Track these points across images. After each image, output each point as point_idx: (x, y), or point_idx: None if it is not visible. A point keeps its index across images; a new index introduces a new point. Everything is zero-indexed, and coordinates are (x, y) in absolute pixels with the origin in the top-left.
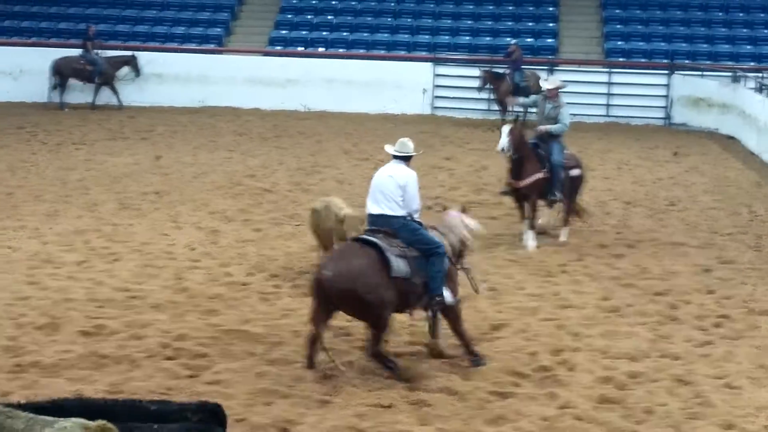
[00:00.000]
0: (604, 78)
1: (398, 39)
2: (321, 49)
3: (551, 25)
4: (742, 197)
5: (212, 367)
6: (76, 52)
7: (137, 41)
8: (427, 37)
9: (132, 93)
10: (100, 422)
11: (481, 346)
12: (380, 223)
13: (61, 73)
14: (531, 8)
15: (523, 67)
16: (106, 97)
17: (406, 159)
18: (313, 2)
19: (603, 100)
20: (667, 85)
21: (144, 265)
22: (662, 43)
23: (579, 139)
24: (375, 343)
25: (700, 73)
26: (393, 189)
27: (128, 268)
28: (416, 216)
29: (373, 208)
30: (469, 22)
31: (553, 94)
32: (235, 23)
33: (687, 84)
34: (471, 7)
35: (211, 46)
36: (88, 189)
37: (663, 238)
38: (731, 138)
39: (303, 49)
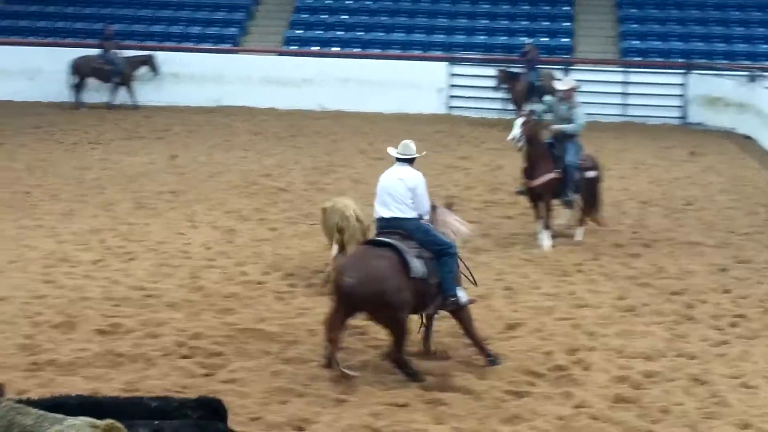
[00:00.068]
0: (619, 77)
1: (414, 38)
2: (336, 49)
3: (567, 24)
4: (759, 197)
5: (227, 365)
6: (92, 52)
7: (153, 41)
8: (442, 36)
9: (148, 92)
10: (108, 421)
11: (497, 345)
12: (393, 225)
13: (80, 73)
14: (547, 7)
15: (538, 66)
16: (122, 96)
17: (410, 161)
18: (328, 2)
19: (619, 100)
20: (684, 85)
21: (160, 264)
22: (678, 43)
23: (595, 139)
24: (397, 349)
25: (716, 72)
26: (402, 191)
27: (144, 267)
28: (426, 217)
29: (383, 211)
30: (485, 21)
31: (568, 95)
32: (250, 23)
33: (703, 83)
34: (486, 6)
35: (227, 46)
36: (104, 188)
37: (679, 238)
38: (748, 137)
39: (318, 48)
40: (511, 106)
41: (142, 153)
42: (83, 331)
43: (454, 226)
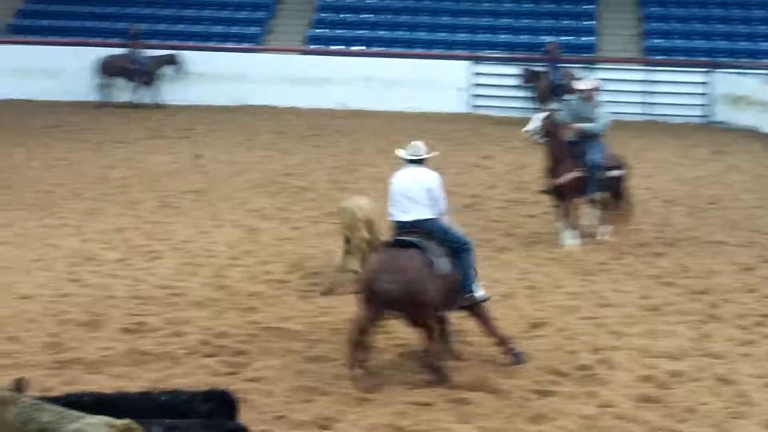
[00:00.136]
0: (643, 76)
1: (436, 37)
2: (359, 48)
3: (590, 23)
4: None
5: (252, 364)
6: (117, 51)
7: (176, 40)
8: (465, 35)
9: (171, 92)
10: (125, 421)
11: (521, 344)
12: (412, 228)
13: (107, 72)
14: (570, 6)
15: (560, 65)
16: (146, 95)
17: (420, 162)
18: (351, 1)
19: (642, 99)
20: (707, 83)
21: (184, 262)
22: (702, 41)
23: (618, 138)
24: (430, 349)
25: (740, 70)
26: (420, 192)
27: (168, 266)
28: (444, 216)
29: (401, 215)
30: (508, 20)
31: (589, 94)
32: (272, 22)
33: (727, 82)
34: (510, 5)
35: (249, 45)
36: (128, 187)
37: (703, 237)
38: None
39: (340, 47)
40: (534, 105)
41: (166, 152)
42: (108, 329)
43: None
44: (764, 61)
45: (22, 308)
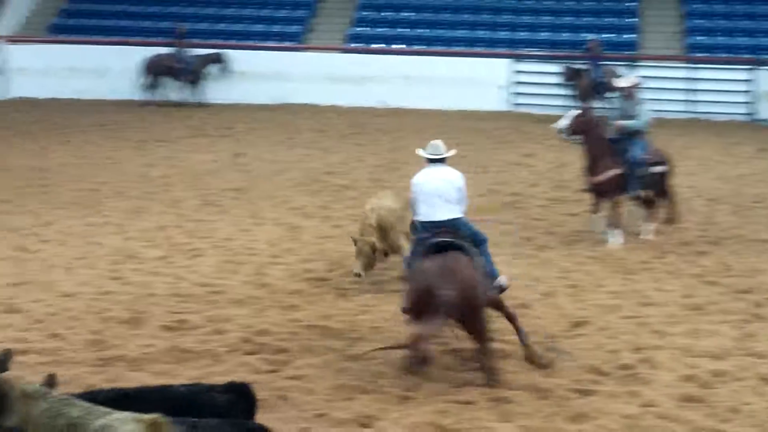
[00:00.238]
0: (685, 74)
1: (477, 35)
2: (399, 46)
3: (632, 20)
4: None
5: (293, 362)
6: (161, 50)
7: (217, 39)
8: (506, 33)
9: (213, 90)
10: (153, 415)
11: (562, 343)
12: (445, 227)
13: (153, 72)
14: (611, 3)
15: (602, 62)
16: (189, 94)
17: (442, 161)
18: None
19: (685, 96)
20: (751, 81)
21: (225, 260)
22: (745, 38)
23: (661, 136)
24: (485, 352)
25: None
26: (452, 192)
27: (210, 264)
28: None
29: (434, 214)
30: (549, 17)
31: (630, 92)
32: (313, 20)
33: None
34: (551, 2)
35: (290, 44)
36: (170, 186)
37: (748, 235)
38: None
39: (381, 45)
40: (575, 103)
41: (207, 151)
42: (150, 327)
43: None
44: None
45: (65, 306)
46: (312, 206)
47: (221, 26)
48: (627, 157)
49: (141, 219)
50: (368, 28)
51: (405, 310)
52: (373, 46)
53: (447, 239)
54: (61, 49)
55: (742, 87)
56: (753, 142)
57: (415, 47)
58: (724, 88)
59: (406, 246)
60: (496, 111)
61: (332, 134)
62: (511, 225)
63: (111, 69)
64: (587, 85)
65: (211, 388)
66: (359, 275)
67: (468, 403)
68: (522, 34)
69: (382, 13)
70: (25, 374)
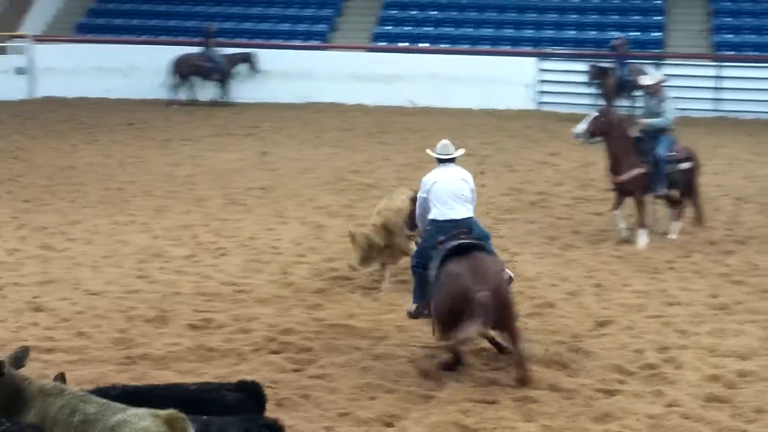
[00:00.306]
0: (712, 72)
1: (503, 34)
2: (425, 45)
3: (658, 18)
4: None
5: (317, 361)
6: (188, 49)
7: (243, 38)
8: (531, 31)
9: (238, 89)
10: (170, 411)
11: (587, 342)
12: (461, 225)
13: (181, 71)
14: (638, 1)
15: (628, 61)
16: (213, 93)
17: (453, 160)
18: None
19: (712, 95)
20: None
21: (250, 259)
22: None
23: (688, 134)
24: (521, 351)
25: None
26: (467, 191)
27: (235, 263)
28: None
29: (452, 213)
30: (575, 16)
31: (655, 89)
32: (339, 19)
33: None
34: (576, 0)
35: (316, 43)
36: (195, 184)
37: None
38: None
39: (407, 44)
40: (601, 102)
41: (232, 150)
42: (175, 325)
43: None
44: None
45: (91, 304)
46: (337, 205)
47: (247, 25)
48: (652, 155)
49: (167, 218)
50: (394, 27)
51: (438, 317)
52: (399, 44)
53: (469, 240)
54: (88, 48)
55: None
56: None
57: (441, 46)
58: (752, 87)
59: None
60: (521, 110)
61: (358, 133)
62: (536, 224)
63: (138, 68)
64: (613, 84)
65: (221, 387)
66: (355, 269)
67: (491, 402)
68: (548, 32)
69: (408, 12)
70: (51, 372)
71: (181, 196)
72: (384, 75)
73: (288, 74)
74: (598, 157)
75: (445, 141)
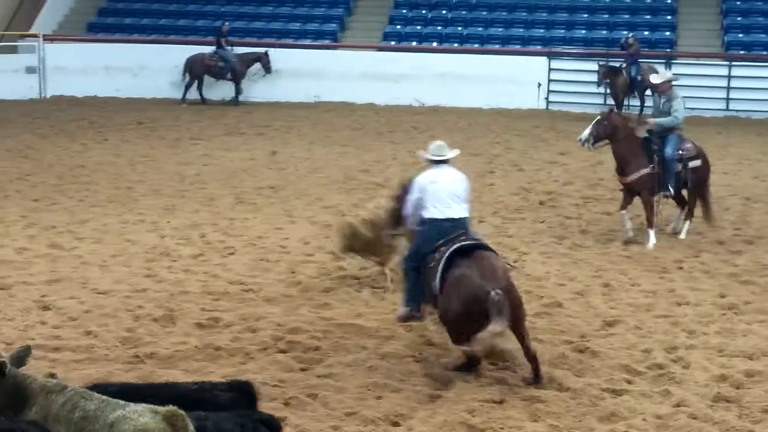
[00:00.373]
0: (723, 71)
1: (512, 33)
2: (434, 44)
3: (669, 17)
4: None
5: (325, 360)
6: (199, 49)
7: (253, 37)
8: (541, 31)
9: (249, 89)
10: (170, 408)
11: (595, 342)
12: (460, 225)
13: (194, 71)
14: (648, 1)
15: (639, 60)
16: (223, 92)
17: (446, 161)
18: None
19: (722, 94)
20: None
21: (258, 258)
22: None
23: (698, 134)
24: (534, 351)
25: None
26: (464, 191)
27: (243, 262)
28: None
29: (450, 212)
30: (585, 15)
31: (665, 88)
32: (349, 19)
33: None
34: (587, 0)
35: (326, 42)
36: (204, 183)
37: None
38: None
39: (417, 44)
40: (611, 101)
41: (242, 149)
42: (183, 324)
43: None
44: None
45: (99, 303)
46: (346, 204)
47: (258, 24)
48: (661, 154)
49: (176, 217)
50: (404, 27)
51: (451, 321)
52: (409, 44)
53: (470, 241)
54: (99, 47)
55: None
56: None
57: (451, 45)
58: (763, 86)
59: (400, 247)
60: (531, 109)
61: (368, 132)
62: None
63: (148, 67)
64: (623, 84)
65: (214, 386)
66: (336, 254)
67: (498, 402)
68: (558, 31)
69: (418, 12)
70: (58, 371)
71: (191, 195)
72: (394, 74)
73: (299, 73)
74: (607, 156)
75: (439, 142)
